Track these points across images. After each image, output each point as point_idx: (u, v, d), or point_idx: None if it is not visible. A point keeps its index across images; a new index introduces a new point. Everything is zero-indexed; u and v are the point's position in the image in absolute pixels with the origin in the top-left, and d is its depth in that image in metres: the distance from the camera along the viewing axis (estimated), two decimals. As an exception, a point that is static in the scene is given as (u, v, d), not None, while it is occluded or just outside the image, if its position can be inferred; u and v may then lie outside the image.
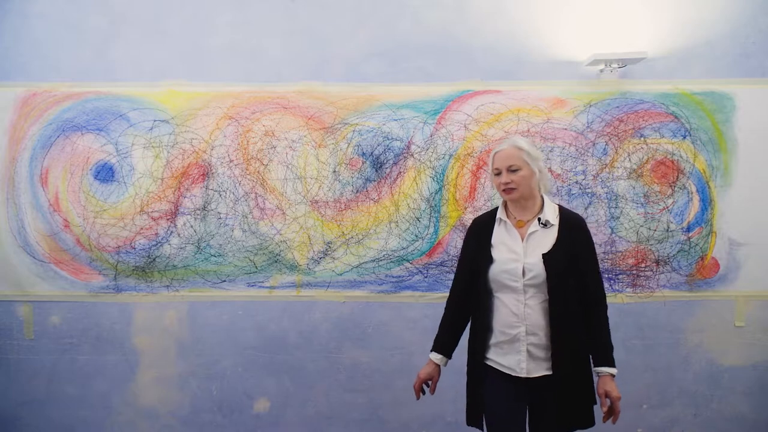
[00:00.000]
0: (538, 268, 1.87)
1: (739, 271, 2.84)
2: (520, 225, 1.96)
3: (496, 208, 2.04)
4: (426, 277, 2.87)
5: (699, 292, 2.85)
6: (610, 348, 1.93)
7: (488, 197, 2.83)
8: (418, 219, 2.85)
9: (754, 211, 2.82)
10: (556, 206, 1.98)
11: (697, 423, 2.89)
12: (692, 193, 2.83)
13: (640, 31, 2.80)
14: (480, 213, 2.81)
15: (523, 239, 1.93)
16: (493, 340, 1.95)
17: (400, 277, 2.87)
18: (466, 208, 2.84)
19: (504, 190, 1.94)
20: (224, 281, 2.89)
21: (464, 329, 2.12)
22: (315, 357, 2.92)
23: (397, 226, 2.86)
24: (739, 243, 2.83)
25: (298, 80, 2.86)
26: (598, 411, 1.91)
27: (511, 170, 1.92)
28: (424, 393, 2.11)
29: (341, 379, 2.92)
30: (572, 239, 1.91)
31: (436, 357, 2.08)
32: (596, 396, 1.93)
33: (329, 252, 2.88)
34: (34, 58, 2.87)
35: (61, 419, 2.94)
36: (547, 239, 1.91)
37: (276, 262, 2.88)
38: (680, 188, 2.83)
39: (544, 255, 1.87)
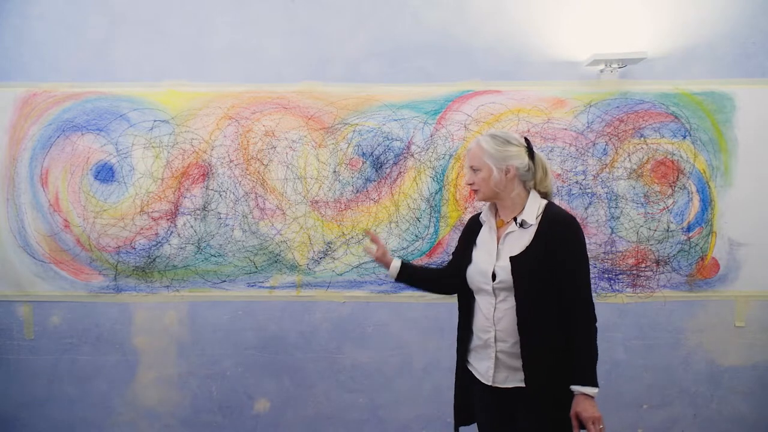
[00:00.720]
0: (506, 272, 1.74)
1: (739, 272, 2.84)
2: (500, 225, 1.85)
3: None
4: (426, 277, 2.87)
5: (699, 292, 2.85)
6: (589, 363, 1.70)
7: (488, 197, 2.83)
8: (418, 219, 2.85)
9: (754, 211, 2.82)
10: (543, 205, 1.80)
11: (697, 423, 2.89)
12: (692, 193, 2.83)
13: (640, 32, 2.80)
14: (479, 212, 2.83)
15: (498, 241, 1.82)
16: (472, 344, 1.87)
17: (400, 277, 2.87)
18: (466, 208, 2.84)
19: (471, 191, 1.86)
20: (224, 281, 2.89)
21: (426, 283, 2.07)
22: (315, 357, 2.92)
23: (398, 226, 2.86)
24: (739, 243, 2.83)
25: (298, 80, 2.86)
26: None
27: (473, 170, 1.82)
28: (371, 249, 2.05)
29: (341, 380, 2.92)
30: (551, 240, 1.72)
31: (395, 263, 2.01)
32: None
33: (329, 252, 2.88)
34: (34, 59, 2.87)
35: (61, 419, 2.94)
36: (522, 240, 1.76)
37: (276, 262, 2.88)
38: (680, 188, 2.83)
39: (511, 258, 1.74)
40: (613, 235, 2.83)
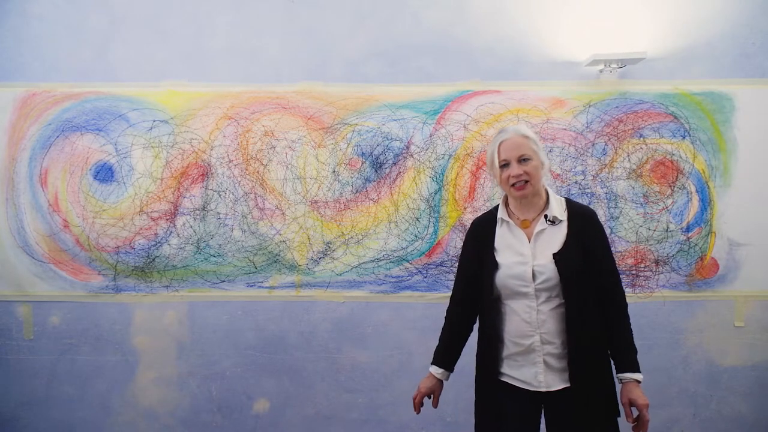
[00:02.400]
0: (549, 270, 1.68)
1: (738, 272, 2.84)
2: (525, 225, 1.77)
3: (496, 207, 1.86)
4: (425, 277, 2.87)
5: (698, 292, 2.85)
6: (634, 351, 1.73)
7: (488, 197, 2.84)
8: (417, 219, 2.86)
9: (754, 211, 2.82)
10: (563, 200, 1.78)
11: (697, 423, 2.89)
12: (692, 193, 2.83)
13: (639, 32, 2.80)
14: (479, 213, 2.82)
15: (529, 240, 1.74)
16: (505, 353, 1.75)
17: (399, 277, 2.87)
18: (465, 209, 2.84)
19: (514, 185, 1.72)
20: (224, 281, 2.89)
21: (466, 339, 1.93)
22: (314, 357, 2.92)
23: (397, 226, 2.86)
24: (739, 243, 2.83)
25: (298, 80, 2.86)
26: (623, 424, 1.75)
27: (522, 160, 1.70)
28: (423, 405, 1.95)
29: (341, 380, 2.92)
30: (584, 234, 1.71)
31: (436, 371, 1.90)
32: (620, 406, 1.75)
33: (329, 252, 2.88)
34: (34, 59, 2.87)
35: (61, 419, 2.94)
36: (556, 237, 1.71)
37: (275, 262, 2.88)
38: (680, 188, 2.83)
39: (554, 255, 1.68)
40: (613, 235, 2.83)
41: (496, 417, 1.79)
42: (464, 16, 2.85)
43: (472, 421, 3.01)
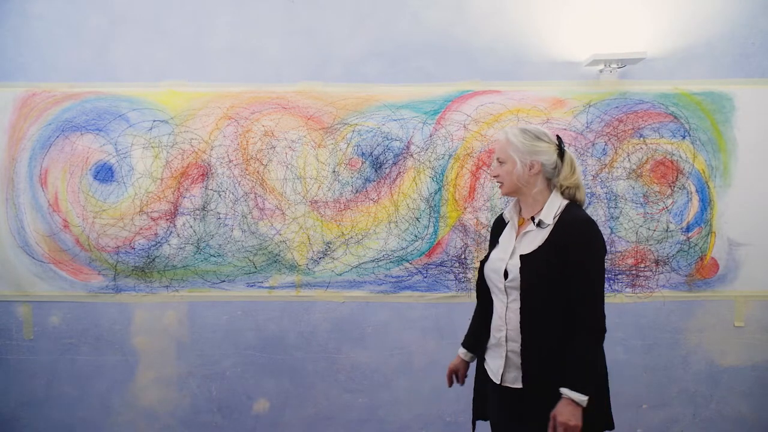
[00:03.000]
0: (516, 270, 1.70)
1: (738, 272, 2.84)
2: (521, 223, 1.82)
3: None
4: (425, 277, 2.87)
5: (698, 292, 2.85)
6: (581, 369, 1.61)
7: (487, 197, 2.84)
8: (417, 219, 2.86)
9: (754, 211, 2.82)
10: (563, 205, 1.73)
11: (697, 423, 2.89)
12: (691, 193, 2.83)
13: (639, 31, 2.80)
14: (479, 213, 2.83)
15: (517, 238, 1.79)
16: (489, 343, 1.86)
17: (399, 277, 2.87)
18: (465, 209, 2.84)
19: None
20: (224, 281, 2.89)
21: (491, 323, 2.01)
22: (314, 357, 2.92)
23: (397, 226, 2.86)
24: (739, 243, 2.83)
25: (298, 80, 2.86)
26: None
27: (499, 162, 1.79)
28: (451, 384, 2.09)
29: (341, 380, 2.92)
30: (562, 241, 1.66)
31: (461, 351, 2.04)
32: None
33: (329, 252, 2.88)
34: (34, 59, 2.87)
35: (61, 419, 2.94)
36: (536, 240, 1.72)
37: (275, 262, 2.88)
38: (679, 188, 2.83)
39: (521, 256, 1.70)
40: (613, 235, 2.83)
41: (479, 393, 1.93)
42: (464, 16, 2.85)
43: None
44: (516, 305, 1.72)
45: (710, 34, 2.81)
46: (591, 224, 1.68)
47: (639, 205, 2.83)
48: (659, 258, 2.84)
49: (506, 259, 1.76)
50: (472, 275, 2.85)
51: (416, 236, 2.86)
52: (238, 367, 2.93)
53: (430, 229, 2.86)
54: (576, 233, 1.66)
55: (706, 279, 2.85)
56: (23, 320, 2.92)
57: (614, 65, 2.73)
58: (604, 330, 1.65)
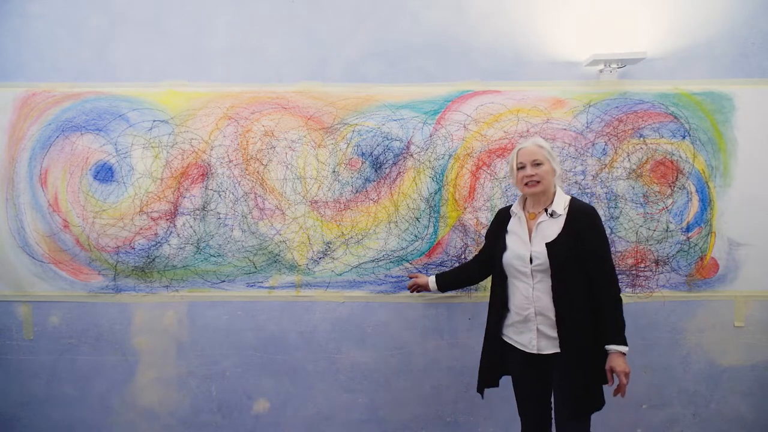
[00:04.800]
0: (543, 256, 2.05)
1: (738, 272, 2.84)
2: (531, 217, 2.16)
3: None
4: (425, 277, 2.87)
5: (698, 292, 2.85)
6: (620, 327, 2.04)
7: (487, 197, 2.84)
8: (417, 219, 2.85)
9: (754, 211, 2.82)
10: (568, 198, 2.14)
11: (697, 423, 2.89)
12: (691, 193, 2.83)
13: (639, 31, 2.80)
14: (479, 213, 2.83)
15: (531, 230, 2.13)
16: (509, 320, 2.19)
17: (399, 277, 2.87)
18: (465, 209, 2.84)
19: (527, 184, 2.12)
20: (224, 281, 2.89)
21: (467, 282, 2.57)
22: (314, 357, 2.92)
23: (397, 226, 2.86)
24: (739, 243, 2.83)
25: (298, 80, 2.86)
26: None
27: (535, 164, 2.10)
28: (412, 290, 2.65)
29: (341, 380, 2.92)
30: (578, 228, 2.05)
31: (431, 279, 2.54)
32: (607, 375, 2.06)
33: (329, 252, 2.88)
34: (34, 59, 2.87)
35: (61, 419, 2.94)
36: (553, 228, 2.08)
37: (275, 262, 2.88)
38: (679, 188, 2.83)
39: (547, 243, 2.05)
40: (613, 235, 2.83)
41: (495, 363, 2.26)
42: (464, 16, 2.85)
43: (472, 421, 3.02)
44: (542, 285, 2.08)
45: (710, 34, 2.81)
46: (596, 212, 2.13)
47: (639, 205, 2.83)
48: (659, 258, 2.84)
49: (528, 248, 2.11)
50: (472, 275, 2.85)
51: (416, 236, 2.86)
52: (238, 367, 2.93)
53: (430, 229, 2.86)
54: (589, 221, 2.07)
55: (706, 279, 2.85)
56: (23, 320, 2.92)
57: (614, 65, 2.74)
58: (620, 291, 2.07)
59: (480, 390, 2.29)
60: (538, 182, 2.11)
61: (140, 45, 2.87)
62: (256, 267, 2.88)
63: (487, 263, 2.37)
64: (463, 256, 2.85)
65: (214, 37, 2.87)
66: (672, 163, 2.82)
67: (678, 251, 2.84)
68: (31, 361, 2.93)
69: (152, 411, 2.94)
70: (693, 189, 2.83)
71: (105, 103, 2.86)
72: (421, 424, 2.92)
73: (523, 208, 2.21)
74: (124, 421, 2.94)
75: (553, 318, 2.06)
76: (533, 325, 2.11)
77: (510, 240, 2.19)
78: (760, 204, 2.82)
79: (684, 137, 2.82)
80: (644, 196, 2.83)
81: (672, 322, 2.87)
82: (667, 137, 2.82)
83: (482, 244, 2.82)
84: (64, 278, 2.90)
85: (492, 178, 2.84)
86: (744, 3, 2.81)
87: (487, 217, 2.83)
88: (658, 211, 2.83)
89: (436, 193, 2.85)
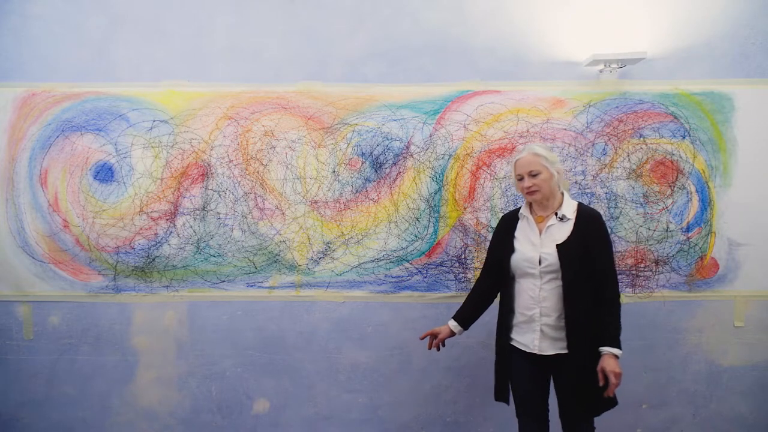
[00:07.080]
0: (552, 257, 2.09)
1: (738, 272, 2.84)
2: (539, 220, 2.20)
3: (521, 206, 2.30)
4: (425, 277, 2.87)
5: (698, 292, 2.85)
6: (615, 330, 2.07)
7: (487, 197, 2.84)
8: (417, 219, 2.85)
9: (754, 211, 2.82)
10: (576, 203, 2.19)
11: (696, 423, 2.89)
12: (691, 193, 2.83)
13: (639, 32, 2.80)
14: (479, 213, 2.83)
15: (541, 232, 2.17)
16: (514, 321, 2.21)
17: (399, 277, 2.87)
18: (465, 209, 2.84)
19: (528, 193, 2.17)
20: (224, 281, 2.89)
21: (485, 306, 2.39)
22: (314, 357, 2.92)
23: (397, 226, 2.86)
24: (739, 243, 2.83)
25: (298, 80, 2.86)
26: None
27: (532, 175, 2.14)
28: (427, 340, 2.41)
29: (341, 380, 2.92)
30: (586, 232, 2.11)
31: (452, 323, 2.37)
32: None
33: (329, 252, 2.88)
34: (34, 59, 2.87)
35: (61, 419, 2.94)
36: (562, 231, 2.13)
37: (275, 262, 2.88)
38: (679, 188, 2.83)
39: (558, 245, 2.09)
40: (613, 235, 2.82)
41: (507, 371, 2.24)
42: (464, 17, 2.85)
43: (472, 421, 3.03)
44: (550, 285, 2.11)
45: (710, 34, 2.81)
46: (601, 217, 2.20)
47: (639, 205, 2.83)
48: (659, 258, 2.84)
49: (538, 250, 2.14)
50: (472, 275, 2.85)
51: (416, 236, 2.86)
52: (238, 367, 2.93)
53: (430, 229, 2.86)
54: (596, 226, 2.14)
55: (706, 279, 2.85)
56: (23, 320, 2.92)
57: (614, 65, 2.73)
58: (619, 296, 2.12)
59: (500, 398, 2.27)
60: (537, 191, 2.15)
61: (140, 45, 2.87)
62: (256, 267, 2.88)
63: (497, 272, 2.31)
64: (462, 256, 2.85)
65: (214, 37, 2.87)
66: (672, 163, 2.82)
67: (678, 251, 2.84)
68: (31, 361, 2.93)
69: (152, 411, 2.94)
70: (693, 189, 2.83)
71: (105, 103, 2.86)
72: (421, 424, 2.92)
73: (530, 212, 2.25)
74: (124, 421, 2.94)
75: (558, 318, 2.10)
76: (537, 326, 2.14)
77: (518, 243, 2.22)
78: (760, 204, 2.82)
79: (684, 137, 2.82)
80: (644, 196, 2.83)
81: (672, 322, 2.87)
82: (667, 137, 2.82)
83: (482, 244, 2.82)
84: (64, 278, 2.90)
85: (492, 178, 2.84)
86: (744, 3, 2.81)
87: (487, 218, 2.83)
88: (658, 211, 2.83)
89: (436, 193, 2.85)
